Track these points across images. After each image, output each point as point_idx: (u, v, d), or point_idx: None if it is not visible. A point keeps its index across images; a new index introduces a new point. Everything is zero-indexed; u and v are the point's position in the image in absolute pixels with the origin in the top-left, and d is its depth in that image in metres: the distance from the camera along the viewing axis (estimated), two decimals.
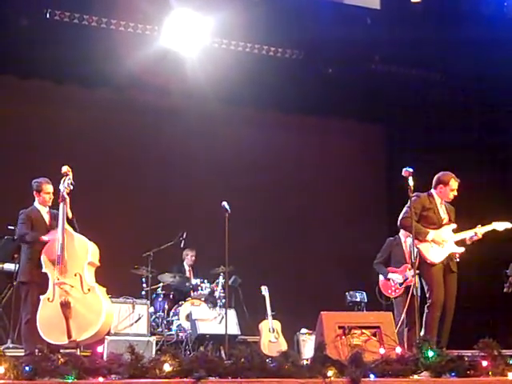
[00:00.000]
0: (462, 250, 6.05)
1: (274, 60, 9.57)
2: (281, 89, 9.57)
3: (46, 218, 6.01)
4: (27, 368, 4.17)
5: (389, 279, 7.11)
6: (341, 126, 10.75)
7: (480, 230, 6.08)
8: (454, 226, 6.12)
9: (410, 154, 9.78)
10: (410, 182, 5.79)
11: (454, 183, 6.14)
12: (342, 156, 10.61)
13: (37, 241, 5.81)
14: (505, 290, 7.93)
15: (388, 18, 8.69)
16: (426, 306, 5.92)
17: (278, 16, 8.61)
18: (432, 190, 6.20)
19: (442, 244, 5.98)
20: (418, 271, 5.96)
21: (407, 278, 6.93)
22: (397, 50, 9.39)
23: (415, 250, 5.92)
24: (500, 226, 6.15)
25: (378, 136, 11.19)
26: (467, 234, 6.08)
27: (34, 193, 6.02)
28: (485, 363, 4.75)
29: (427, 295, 5.93)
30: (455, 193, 6.15)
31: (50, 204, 6.04)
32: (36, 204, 6.04)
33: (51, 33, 8.53)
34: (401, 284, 7.03)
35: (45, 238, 5.82)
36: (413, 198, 5.99)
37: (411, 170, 5.83)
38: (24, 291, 5.81)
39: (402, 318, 6.67)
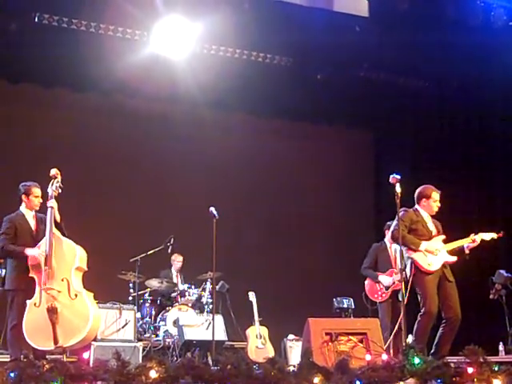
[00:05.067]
0: (454, 259, 6.10)
1: (264, 66, 9.60)
2: (270, 95, 9.61)
3: (32, 223, 5.93)
4: (12, 374, 4.14)
5: (377, 282, 7.14)
6: (329, 131, 10.78)
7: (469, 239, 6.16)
8: (443, 237, 6.17)
9: (398, 161, 9.83)
10: (398, 188, 5.81)
11: (436, 195, 6.18)
12: (330, 162, 10.65)
13: (20, 255, 5.73)
14: (491, 296, 8.00)
15: (376, 26, 8.74)
16: (418, 315, 5.92)
17: (267, 22, 8.63)
18: (416, 206, 6.23)
19: (436, 253, 6.02)
20: (410, 280, 5.96)
21: (394, 283, 6.98)
22: (385, 57, 9.45)
23: (408, 260, 5.96)
24: (486, 236, 6.23)
25: (365, 142, 11.23)
26: (459, 244, 6.14)
27: (23, 196, 5.93)
28: (470, 370, 4.75)
29: (420, 304, 5.93)
30: (438, 204, 6.19)
31: (37, 208, 5.98)
32: (22, 208, 5.96)
33: (40, 37, 8.51)
34: (387, 288, 7.07)
35: (28, 252, 5.70)
36: (401, 213, 6.02)
37: (398, 176, 5.85)
38: (10, 297, 5.76)
39: (386, 322, 6.70)
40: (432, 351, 5.83)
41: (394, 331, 6.39)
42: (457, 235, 6.23)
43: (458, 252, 6.14)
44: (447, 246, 6.10)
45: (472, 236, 6.15)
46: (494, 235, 6.25)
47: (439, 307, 5.95)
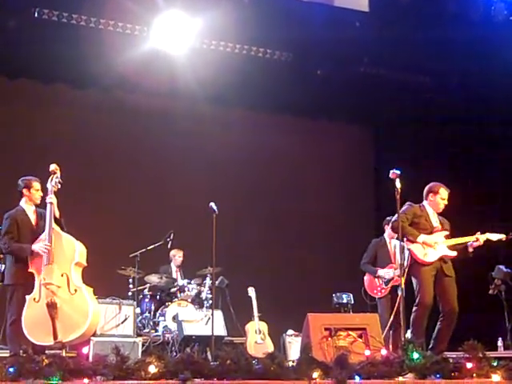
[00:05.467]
0: (454, 253, 6.10)
1: (263, 61, 9.58)
2: (270, 90, 9.60)
3: (33, 218, 5.92)
4: (11, 369, 4.15)
5: (376, 277, 7.14)
6: (329, 127, 10.78)
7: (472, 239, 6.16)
8: (446, 232, 6.17)
9: (398, 156, 9.82)
10: (398, 183, 5.80)
11: (444, 192, 6.19)
12: (330, 157, 10.64)
13: (29, 253, 5.71)
14: (490, 291, 8.00)
15: (377, 21, 8.73)
16: (414, 305, 5.96)
17: (267, 17, 8.61)
18: (423, 202, 6.26)
19: (434, 246, 6.03)
20: (407, 272, 5.99)
21: (393, 278, 6.98)
22: (385, 52, 9.43)
23: (406, 251, 5.98)
24: (493, 236, 6.22)
25: (365, 138, 11.23)
26: (461, 241, 6.14)
27: (24, 190, 5.90)
28: (469, 365, 4.77)
29: (415, 295, 5.97)
30: (445, 202, 6.21)
31: (38, 202, 5.97)
32: (22, 203, 5.94)
33: (39, 32, 8.49)
34: (386, 284, 7.07)
35: (35, 247, 5.69)
36: (405, 207, 6.04)
37: (399, 171, 5.85)
38: (10, 292, 5.75)
39: (386, 318, 6.71)
40: (430, 346, 5.85)
41: (389, 324, 6.40)
42: (455, 232, 6.23)
43: (462, 250, 6.14)
44: (448, 241, 6.11)
45: (477, 235, 6.15)
46: (502, 236, 6.23)
47: (437, 301, 5.96)
